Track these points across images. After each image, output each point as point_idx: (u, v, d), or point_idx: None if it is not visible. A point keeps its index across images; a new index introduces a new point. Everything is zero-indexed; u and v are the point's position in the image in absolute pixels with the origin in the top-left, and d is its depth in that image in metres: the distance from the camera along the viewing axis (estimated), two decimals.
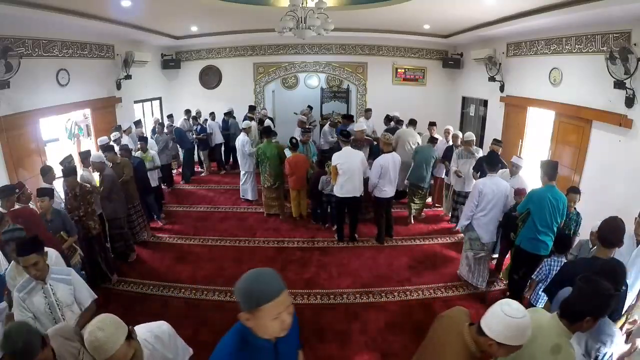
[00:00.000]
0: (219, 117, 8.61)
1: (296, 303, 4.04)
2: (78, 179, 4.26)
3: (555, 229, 3.50)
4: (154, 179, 6.05)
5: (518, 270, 3.74)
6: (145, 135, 6.45)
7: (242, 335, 1.30)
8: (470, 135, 5.50)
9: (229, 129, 8.48)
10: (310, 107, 9.26)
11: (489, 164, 4.01)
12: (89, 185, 4.20)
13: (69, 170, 4.03)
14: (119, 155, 5.09)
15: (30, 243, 2.22)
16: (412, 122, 6.76)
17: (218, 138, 8.46)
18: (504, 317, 1.41)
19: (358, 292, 4.21)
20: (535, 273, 3.31)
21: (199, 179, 8.30)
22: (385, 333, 3.56)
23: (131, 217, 5.07)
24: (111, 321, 1.43)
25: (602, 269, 1.95)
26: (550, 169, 3.55)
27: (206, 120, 8.45)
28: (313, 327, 3.60)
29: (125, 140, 6.30)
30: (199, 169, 8.81)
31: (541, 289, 3.13)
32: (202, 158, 8.63)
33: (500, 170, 4.51)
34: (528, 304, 3.53)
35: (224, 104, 8.84)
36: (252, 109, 8.54)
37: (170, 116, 8.18)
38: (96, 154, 4.78)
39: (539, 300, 3.28)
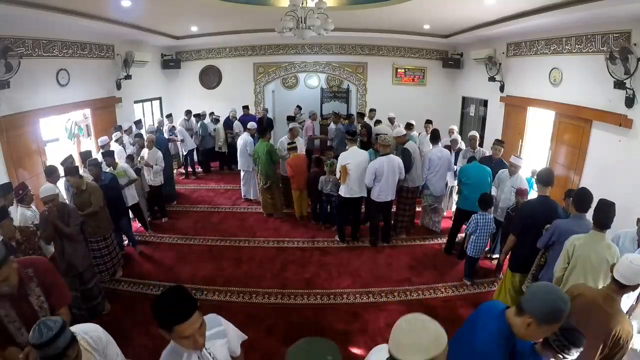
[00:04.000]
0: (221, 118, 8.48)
1: (296, 303, 4.05)
2: (64, 190, 4.02)
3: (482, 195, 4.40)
4: (132, 195, 5.08)
5: (457, 224, 4.91)
6: (112, 150, 5.27)
7: (503, 333, 1.54)
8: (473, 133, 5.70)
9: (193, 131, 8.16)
10: (299, 107, 9.24)
11: (433, 138, 5.45)
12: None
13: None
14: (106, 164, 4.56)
15: (189, 296, 1.44)
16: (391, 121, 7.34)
17: (189, 144, 7.94)
18: (634, 266, 1.92)
19: (358, 292, 4.21)
20: (466, 227, 4.19)
21: (197, 181, 8.29)
22: (385, 333, 3.52)
23: (102, 252, 4.17)
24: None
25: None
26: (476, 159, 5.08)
27: (174, 127, 7.81)
28: (313, 327, 3.60)
29: (126, 140, 6.30)
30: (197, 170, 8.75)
31: (472, 241, 4.13)
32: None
33: (500, 170, 4.55)
34: (462, 253, 4.33)
35: (224, 104, 8.84)
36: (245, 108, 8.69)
37: (169, 116, 8.16)
38: (46, 186, 3.50)
39: (478, 249, 4.13)
